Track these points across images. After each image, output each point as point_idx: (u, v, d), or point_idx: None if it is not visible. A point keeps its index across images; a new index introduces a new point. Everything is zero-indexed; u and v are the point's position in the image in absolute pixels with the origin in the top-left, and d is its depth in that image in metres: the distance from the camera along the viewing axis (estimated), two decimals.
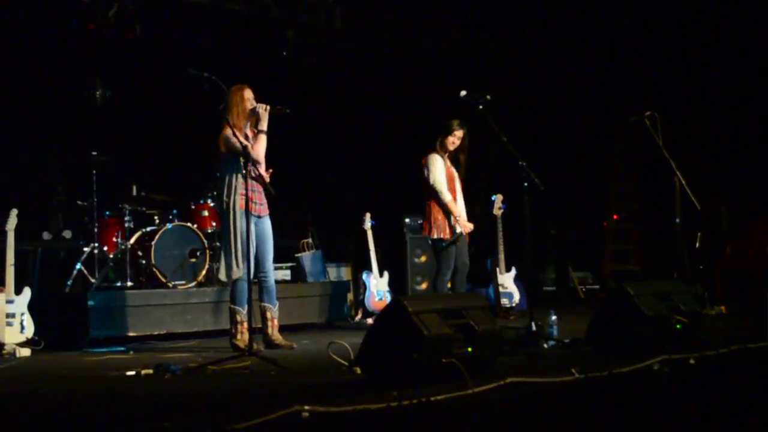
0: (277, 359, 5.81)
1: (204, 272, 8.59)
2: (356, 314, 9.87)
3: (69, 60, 9.79)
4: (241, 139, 6.55)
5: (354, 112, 11.74)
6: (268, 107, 6.77)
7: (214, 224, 8.85)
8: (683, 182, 8.25)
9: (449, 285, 7.89)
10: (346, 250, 11.12)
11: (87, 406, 4.82)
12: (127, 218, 8.63)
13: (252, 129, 6.84)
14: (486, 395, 4.45)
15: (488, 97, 7.09)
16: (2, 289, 7.14)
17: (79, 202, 8.73)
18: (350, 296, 10.03)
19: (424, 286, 10.29)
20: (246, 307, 6.62)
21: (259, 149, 6.74)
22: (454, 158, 7.95)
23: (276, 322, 7.08)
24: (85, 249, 8.53)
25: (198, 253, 8.61)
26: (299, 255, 9.99)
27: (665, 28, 11.98)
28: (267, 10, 10.71)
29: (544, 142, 12.22)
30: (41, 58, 9.57)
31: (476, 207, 8.37)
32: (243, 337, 6.75)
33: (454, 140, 7.82)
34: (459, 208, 7.88)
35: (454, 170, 7.92)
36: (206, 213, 8.93)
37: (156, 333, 7.91)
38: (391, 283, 9.95)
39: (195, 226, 8.73)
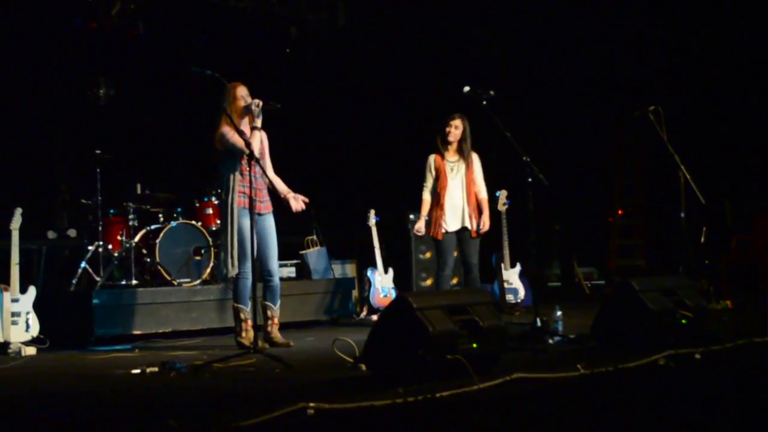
0: (282, 357, 5.81)
1: (209, 270, 8.59)
2: (361, 311, 9.87)
3: (72, 59, 9.80)
4: (234, 136, 6.56)
5: (358, 109, 11.74)
6: (261, 103, 6.76)
7: (218, 222, 8.84)
8: (688, 177, 8.23)
9: (457, 284, 7.84)
10: (350, 247, 11.12)
11: (92, 404, 4.82)
12: (131, 216, 8.63)
13: (248, 125, 6.83)
14: (491, 391, 4.45)
15: (492, 92, 7.07)
16: (7, 288, 7.15)
17: (83, 201, 8.73)
18: (355, 293, 10.02)
19: (428, 282, 10.29)
20: (249, 304, 6.62)
21: (254, 145, 6.71)
22: (459, 149, 7.88)
23: (276, 320, 7.07)
24: (90, 247, 8.53)
25: (203, 251, 8.61)
26: (304, 252, 9.99)
27: (669, 20, 11.96)
28: (270, 7, 10.71)
29: (548, 137, 12.20)
30: (45, 57, 9.57)
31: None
32: (248, 335, 6.75)
33: (451, 129, 7.71)
34: (452, 203, 7.75)
35: (453, 166, 7.78)
36: (210, 211, 8.92)
37: (161, 331, 7.91)
38: (395, 280, 9.94)
39: (199, 223, 8.73)
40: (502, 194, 9.51)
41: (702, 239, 9.48)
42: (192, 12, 10.37)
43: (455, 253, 7.88)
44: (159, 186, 9.09)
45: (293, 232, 10.30)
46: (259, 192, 6.82)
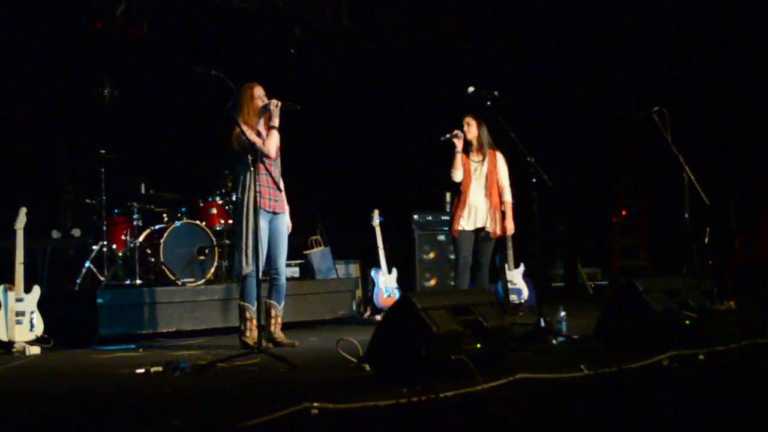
0: (286, 356, 5.82)
1: (213, 270, 8.59)
2: (365, 311, 9.87)
3: (77, 59, 9.82)
4: (252, 135, 6.58)
5: (362, 109, 11.75)
6: (280, 103, 6.80)
7: (222, 222, 8.85)
8: (692, 177, 8.22)
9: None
10: (354, 247, 11.13)
11: (97, 403, 4.83)
12: (135, 216, 8.64)
13: (265, 125, 6.85)
14: (495, 391, 4.45)
15: (496, 93, 7.08)
16: (12, 288, 7.16)
17: (87, 201, 8.75)
18: (359, 293, 10.03)
19: (432, 282, 10.29)
20: (255, 304, 6.63)
21: (271, 144, 6.76)
22: (480, 149, 7.82)
23: (279, 320, 7.08)
24: (94, 247, 8.55)
25: (207, 251, 8.61)
26: (308, 252, 9.99)
27: (673, 22, 11.95)
28: (274, 7, 10.72)
29: (553, 138, 12.20)
30: (49, 57, 9.59)
31: None
32: (252, 335, 6.76)
33: (465, 128, 7.75)
34: (473, 203, 7.75)
35: (476, 166, 7.79)
36: (215, 210, 8.93)
37: (165, 331, 7.92)
38: (399, 280, 9.94)
39: (204, 223, 8.74)
40: None
41: (706, 240, 9.48)
42: (196, 12, 10.38)
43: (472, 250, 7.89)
44: (163, 186, 9.10)
45: (297, 232, 10.28)
46: (274, 191, 6.86)
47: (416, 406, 4.10)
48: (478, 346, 4.92)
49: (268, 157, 6.70)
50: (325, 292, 9.23)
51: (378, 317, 9.26)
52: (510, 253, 9.76)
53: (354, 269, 10.69)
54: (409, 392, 4.25)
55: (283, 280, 7.08)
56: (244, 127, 6.55)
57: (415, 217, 10.41)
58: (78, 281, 8.41)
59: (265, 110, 6.83)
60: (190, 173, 9.77)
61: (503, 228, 7.80)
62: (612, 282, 12.64)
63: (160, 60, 10.13)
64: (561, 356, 5.87)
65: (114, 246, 8.61)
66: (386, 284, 9.80)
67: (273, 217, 6.92)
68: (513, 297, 9.72)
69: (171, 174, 9.75)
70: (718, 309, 8.30)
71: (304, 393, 4.40)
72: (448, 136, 7.71)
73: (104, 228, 8.53)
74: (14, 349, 7.03)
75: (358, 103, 11.74)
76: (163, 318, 7.94)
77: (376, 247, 9.89)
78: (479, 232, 7.76)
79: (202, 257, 8.60)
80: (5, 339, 7.06)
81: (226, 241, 8.76)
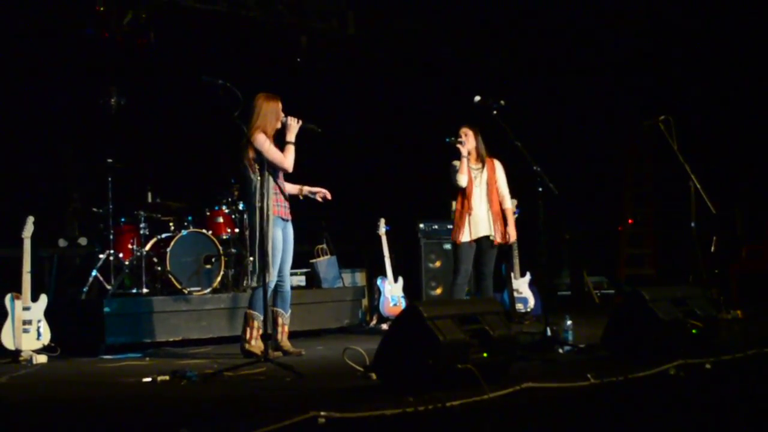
0: (293, 365, 5.82)
1: (219, 278, 8.60)
2: (371, 320, 9.88)
3: (84, 68, 9.85)
4: (277, 151, 6.78)
5: (367, 118, 11.76)
6: (300, 121, 6.87)
7: (229, 230, 8.87)
8: (698, 186, 8.22)
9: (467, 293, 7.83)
10: (360, 256, 11.13)
11: (103, 412, 4.83)
12: (142, 225, 8.65)
13: (271, 136, 6.90)
14: (502, 401, 4.45)
15: (502, 102, 7.08)
16: (19, 296, 7.18)
17: (94, 209, 8.76)
18: (365, 302, 10.03)
19: (438, 291, 10.29)
20: (263, 314, 6.64)
21: (292, 160, 6.85)
22: (479, 157, 7.83)
23: (286, 328, 7.09)
24: (101, 256, 8.56)
25: (213, 260, 8.62)
26: (314, 261, 10.00)
27: (679, 29, 11.95)
28: (280, 16, 10.75)
29: (559, 146, 12.20)
30: (57, 66, 9.62)
31: None
32: (257, 343, 6.76)
33: (463, 138, 7.76)
34: (475, 212, 7.76)
35: (476, 174, 7.80)
36: (221, 219, 8.94)
37: (171, 339, 7.93)
38: (405, 289, 9.94)
39: (210, 232, 8.75)
40: (512, 203, 9.50)
41: (712, 248, 9.46)
42: (203, 21, 10.41)
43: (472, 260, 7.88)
44: (170, 195, 9.11)
45: (303, 241, 10.31)
46: (282, 198, 6.93)
47: (423, 415, 4.10)
48: (485, 355, 4.92)
49: (289, 171, 6.82)
50: (331, 301, 9.23)
51: (384, 326, 9.27)
52: (516, 261, 9.77)
53: (360, 278, 10.69)
54: (416, 401, 4.25)
55: (288, 287, 7.10)
56: (268, 139, 6.68)
57: (421, 225, 10.42)
58: (85, 290, 8.43)
59: (283, 125, 6.89)
60: (196, 182, 9.79)
61: (506, 235, 7.78)
62: (618, 291, 12.63)
63: (167, 69, 10.15)
64: (567, 365, 5.87)
65: (121, 255, 8.62)
66: (392, 293, 9.80)
67: (285, 225, 6.95)
68: (519, 306, 9.72)
69: (177, 183, 9.76)
70: (724, 318, 8.28)
71: (311, 402, 4.40)
72: (454, 138, 7.73)
73: (111, 237, 8.54)
74: (21, 358, 7.05)
75: (364, 112, 11.75)
76: (170, 327, 7.95)
77: (383, 256, 9.89)
78: (482, 241, 7.74)
79: (208, 266, 8.62)
80: (12, 347, 7.08)
81: (233, 250, 8.78)
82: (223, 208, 8.97)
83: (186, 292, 8.36)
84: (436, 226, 10.40)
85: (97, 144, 9.53)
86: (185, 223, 8.84)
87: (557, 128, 12.55)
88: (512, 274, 9.78)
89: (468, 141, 7.75)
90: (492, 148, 7.90)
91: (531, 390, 4.64)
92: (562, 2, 11.77)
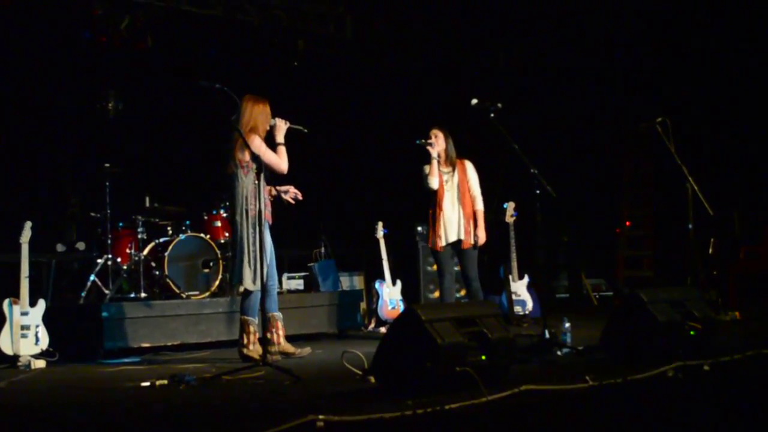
0: (291, 369, 5.82)
1: (217, 282, 8.60)
2: (369, 323, 9.87)
3: (82, 72, 9.85)
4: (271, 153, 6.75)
5: (365, 121, 11.76)
6: (288, 123, 6.86)
7: (227, 235, 8.87)
8: (696, 188, 8.23)
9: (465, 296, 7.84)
10: (358, 259, 11.12)
11: (102, 417, 4.83)
12: (140, 229, 8.66)
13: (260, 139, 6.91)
14: (500, 403, 4.45)
15: (499, 105, 7.09)
16: (17, 301, 7.17)
17: (92, 214, 8.76)
18: (363, 305, 10.03)
19: (437, 294, 10.28)
20: (257, 317, 6.64)
21: (286, 161, 6.85)
22: (449, 160, 7.84)
23: (283, 330, 7.08)
24: (99, 260, 8.56)
25: (211, 264, 8.63)
26: (312, 264, 10.01)
27: (677, 31, 11.96)
28: (278, 20, 10.75)
29: (556, 149, 12.21)
30: (54, 70, 9.62)
31: (489, 215, 8.32)
32: (255, 348, 6.76)
33: (433, 140, 7.77)
34: (447, 215, 7.76)
35: (447, 177, 7.79)
36: (219, 223, 8.95)
37: (170, 344, 7.93)
38: (404, 292, 9.94)
39: (208, 236, 8.75)
40: (510, 206, 9.52)
41: (710, 250, 9.48)
42: (200, 26, 10.42)
43: (455, 263, 7.90)
44: (168, 199, 9.12)
45: (301, 245, 10.33)
46: (268, 202, 6.92)
47: (421, 418, 4.10)
48: (483, 357, 4.92)
49: (281, 173, 6.81)
50: (330, 305, 9.23)
51: (382, 329, 9.26)
52: (514, 264, 9.77)
53: (358, 281, 10.69)
54: (414, 404, 4.25)
55: (273, 282, 7.08)
56: (263, 142, 6.68)
57: (419, 229, 10.43)
58: (83, 294, 8.43)
59: (272, 127, 6.88)
60: (194, 186, 9.79)
61: (475, 237, 7.77)
62: (616, 293, 12.63)
63: (165, 74, 10.15)
64: (566, 367, 5.87)
65: (119, 259, 8.62)
66: (390, 296, 9.80)
67: (269, 228, 6.94)
68: (517, 308, 9.72)
69: (175, 187, 9.77)
70: (722, 319, 8.30)
71: (310, 405, 4.41)
72: (423, 140, 7.74)
73: (109, 241, 8.55)
74: (19, 363, 7.05)
75: (362, 116, 11.76)
76: (168, 331, 7.95)
77: (381, 259, 9.89)
78: (457, 244, 7.76)
79: (206, 270, 8.62)
80: (10, 353, 7.08)
81: (231, 254, 8.78)
82: (221, 212, 8.96)
83: (184, 296, 8.36)
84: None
85: (94, 148, 9.53)
86: (183, 228, 8.84)
87: (555, 131, 12.55)
88: (510, 277, 9.78)
89: (438, 143, 7.77)
90: (490, 150, 7.91)
91: (529, 392, 4.65)
92: (559, 4, 11.78)
